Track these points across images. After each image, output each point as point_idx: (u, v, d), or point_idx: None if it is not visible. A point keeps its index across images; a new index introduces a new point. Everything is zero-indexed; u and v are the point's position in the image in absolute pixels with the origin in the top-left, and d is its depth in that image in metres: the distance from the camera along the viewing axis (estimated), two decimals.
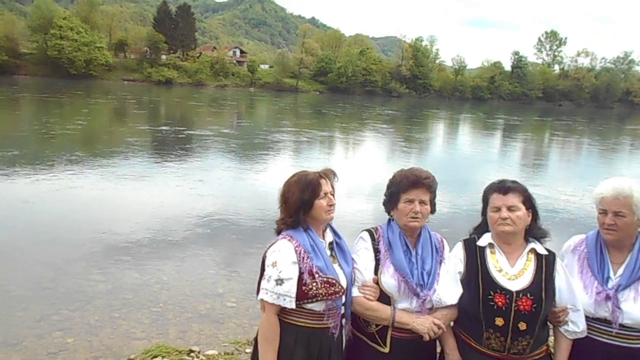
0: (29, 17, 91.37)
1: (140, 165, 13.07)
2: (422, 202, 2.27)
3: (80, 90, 45.43)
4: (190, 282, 5.82)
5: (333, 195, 2.27)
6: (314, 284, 2.10)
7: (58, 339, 4.38)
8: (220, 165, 14.09)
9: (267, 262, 2.19)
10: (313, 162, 15.47)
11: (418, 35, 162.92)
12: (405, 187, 2.29)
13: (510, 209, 2.20)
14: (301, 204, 2.19)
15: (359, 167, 15.11)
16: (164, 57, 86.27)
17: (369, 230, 2.41)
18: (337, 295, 2.16)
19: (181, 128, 22.79)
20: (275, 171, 13.43)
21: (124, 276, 5.82)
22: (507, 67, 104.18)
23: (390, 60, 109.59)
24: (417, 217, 2.27)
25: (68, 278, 5.67)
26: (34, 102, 33.13)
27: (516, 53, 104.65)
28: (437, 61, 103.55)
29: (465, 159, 18.73)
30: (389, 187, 2.40)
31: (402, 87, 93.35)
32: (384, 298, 2.25)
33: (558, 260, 2.26)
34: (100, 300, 5.16)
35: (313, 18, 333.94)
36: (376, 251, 2.33)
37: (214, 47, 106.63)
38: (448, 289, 2.26)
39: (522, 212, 2.21)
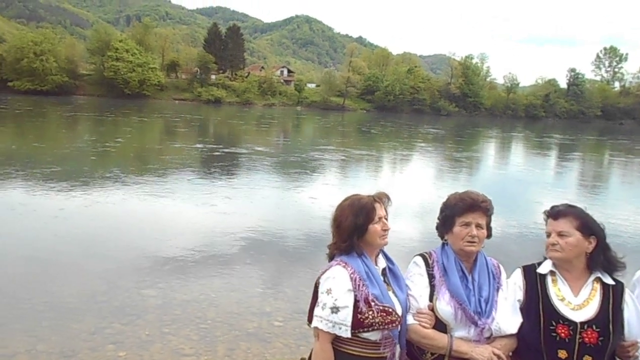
0: (88, 40, 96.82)
1: (187, 182, 13.45)
2: (478, 226, 2.22)
3: (131, 110, 47.47)
4: (237, 300, 5.90)
5: (387, 219, 2.25)
6: (370, 313, 2.06)
7: (111, 352, 4.52)
8: (265, 183, 14.28)
9: (320, 289, 2.15)
10: (358, 181, 15.47)
11: (468, 52, 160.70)
12: (461, 210, 2.24)
13: (560, 234, 2.13)
14: (355, 228, 2.17)
15: (406, 188, 14.95)
16: (213, 76, 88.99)
17: (422, 255, 2.36)
18: (394, 325, 2.11)
19: (227, 146, 23.35)
20: (320, 190, 13.48)
21: (173, 292, 5.96)
22: (563, 84, 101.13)
23: (438, 79, 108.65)
24: (474, 242, 2.22)
25: (120, 292, 5.86)
26: (87, 121, 34.85)
27: (572, 70, 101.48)
28: (488, 79, 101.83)
29: (517, 180, 18.19)
30: (442, 210, 2.36)
31: (451, 106, 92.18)
32: (440, 326, 2.20)
33: (627, 290, 2.15)
34: (151, 314, 5.30)
35: (360, 37, 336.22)
36: (431, 277, 2.28)
37: (262, 67, 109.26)
38: (507, 317, 2.18)
39: (574, 238, 2.11)
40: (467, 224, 2.23)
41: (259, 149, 22.38)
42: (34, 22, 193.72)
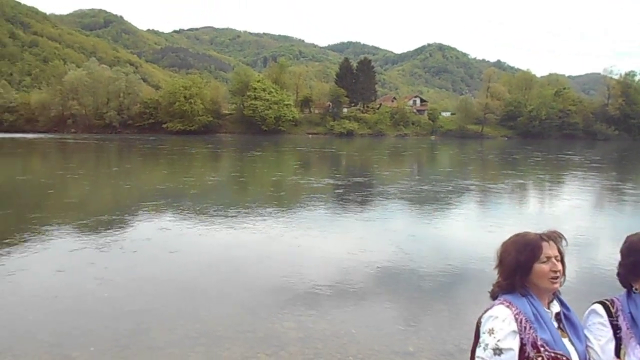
0: (229, 82, 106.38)
1: (320, 214, 13.78)
2: None
3: (268, 145, 50.51)
4: (378, 337, 5.79)
5: (559, 260, 2.06)
6: (539, 359, 1.90)
7: None
8: (399, 215, 14.12)
9: (482, 329, 2.03)
10: (501, 214, 14.58)
11: (629, 69, 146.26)
12: None
13: None
14: (517, 266, 2.04)
15: (565, 226, 13.66)
16: (345, 110, 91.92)
17: (602, 303, 2.15)
18: None
19: (359, 178, 23.65)
20: (458, 224, 12.93)
21: (315, 325, 6.04)
22: None
23: (592, 100, 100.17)
24: None
25: (264, 323, 6.09)
26: (229, 156, 37.83)
27: None
28: None
29: None
30: (628, 254, 2.13)
31: (609, 129, 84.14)
32: None
33: None
34: (293, 347, 5.42)
35: (498, 61, 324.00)
36: (615, 328, 2.06)
37: (394, 98, 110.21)
38: None
39: None
40: None
41: (392, 180, 22.32)
42: (184, 70, 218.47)
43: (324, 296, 7.05)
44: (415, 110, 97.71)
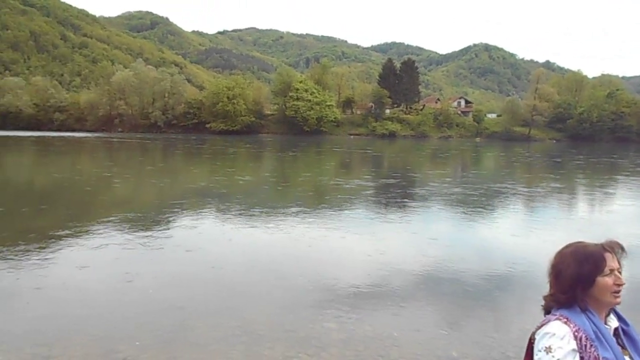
0: (272, 83, 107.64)
1: (360, 215, 13.72)
2: None
3: (310, 145, 50.72)
4: (421, 341, 5.70)
5: (620, 273, 1.96)
6: None
7: None
8: (441, 218, 13.89)
9: (537, 346, 1.93)
10: (549, 220, 14.12)
11: None
12: None
13: None
14: (578, 279, 1.93)
15: (618, 236, 13.14)
16: (387, 111, 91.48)
17: None
18: None
19: (401, 179, 23.43)
20: (501, 228, 12.60)
21: (356, 327, 6.01)
22: None
23: None
24: None
25: (305, 323, 6.10)
26: (270, 157, 38.20)
27: None
28: None
29: None
30: None
31: None
32: None
33: None
34: (334, 348, 5.40)
35: (547, 61, 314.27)
36: None
37: (438, 99, 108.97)
38: None
39: None
40: None
41: (433, 182, 22.01)
42: (227, 70, 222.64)
43: (364, 298, 7.00)
44: (459, 112, 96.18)
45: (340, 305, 6.69)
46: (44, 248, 9.26)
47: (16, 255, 8.67)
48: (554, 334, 1.89)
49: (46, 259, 8.55)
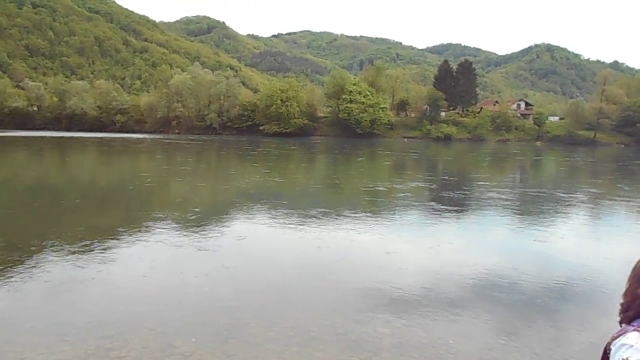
0: (325, 85, 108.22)
1: (414, 219, 13.62)
2: None
3: (362, 148, 50.58)
4: (477, 349, 5.58)
5: None
6: None
7: None
8: (498, 224, 13.51)
9: (614, 357, 1.86)
10: (613, 229, 13.48)
11: None
12: None
13: None
14: None
15: None
16: (443, 113, 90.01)
17: None
18: None
19: (456, 184, 22.99)
20: (564, 235, 12.10)
21: (409, 333, 5.96)
22: None
23: None
24: None
25: (356, 327, 6.10)
26: (323, 159, 38.38)
27: None
28: None
29: None
30: None
31: None
32: None
33: None
34: (387, 353, 5.38)
35: (615, 62, 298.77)
36: None
37: (496, 101, 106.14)
38: None
39: None
40: None
41: (491, 187, 21.44)
42: (281, 73, 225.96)
43: (417, 303, 6.93)
44: (519, 115, 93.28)
45: (393, 309, 6.65)
46: (108, 245, 9.74)
47: (83, 252, 9.17)
48: (632, 346, 1.82)
49: (109, 255, 8.99)
